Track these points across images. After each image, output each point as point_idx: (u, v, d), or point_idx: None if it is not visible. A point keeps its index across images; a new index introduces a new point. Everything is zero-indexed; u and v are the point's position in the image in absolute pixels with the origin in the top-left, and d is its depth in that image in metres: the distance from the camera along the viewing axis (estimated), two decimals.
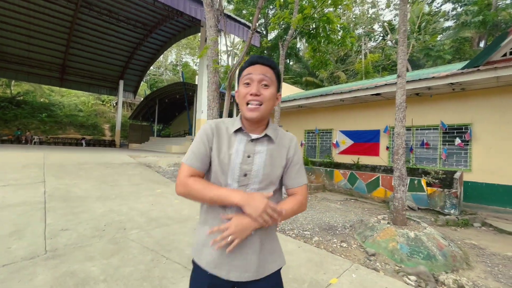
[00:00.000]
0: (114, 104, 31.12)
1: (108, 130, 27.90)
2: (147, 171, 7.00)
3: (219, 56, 7.16)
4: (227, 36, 7.67)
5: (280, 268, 0.99)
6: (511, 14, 17.20)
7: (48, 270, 2.11)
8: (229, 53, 31.35)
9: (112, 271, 2.16)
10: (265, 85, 0.92)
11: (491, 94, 5.82)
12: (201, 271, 0.94)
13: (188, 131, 21.30)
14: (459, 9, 18.59)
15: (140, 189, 5.15)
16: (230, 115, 12.95)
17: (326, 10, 6.57)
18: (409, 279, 2.48)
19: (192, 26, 16.05)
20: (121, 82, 22.39)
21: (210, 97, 7.18)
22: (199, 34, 16.04)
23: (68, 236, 2.81)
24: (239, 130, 0.97)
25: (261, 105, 0.90)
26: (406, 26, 3.59)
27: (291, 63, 24.60)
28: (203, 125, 1.01)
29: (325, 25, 6.85)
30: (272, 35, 24.10)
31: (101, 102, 30.97)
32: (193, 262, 0.99)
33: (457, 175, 5.14)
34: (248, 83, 0.92)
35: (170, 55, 40.49)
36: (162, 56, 28.91)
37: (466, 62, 8.76)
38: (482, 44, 19.43)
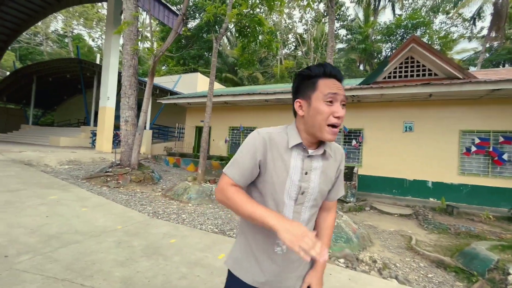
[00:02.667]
0: None
1: None
2: (28, 172, 5.27)
3: (138, 36, 6.16)
4: (146, 15, 6.71)
5: None
6: (379, 47, 22.93)
7: None
8: (139, 33, 27.69)
9: None
10: (343, 105, 0.86)
11: (377, 107, 7.56)
12: (241, 283, 0.94)
13: (84, 121, 17.54)
14: (349, 36, 23.22)
15: (22, 197, 3.82)
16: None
17: (258, 12, 6.78)
18: (339, 261, 2.90)
19: None
20: None
21: (126, 83, 6.11)
22: (100, 4, 13.31)
23: None
24: (297, 145, 0.90)
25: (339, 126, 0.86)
26: (334, 41, 4.13)
27: (210, 56, 24.15)
28: (252, 135, 0.90)
29: (256, 26, 7.06)
30: (191, 24, 22.90)
31: None
32: (230, 273, 0.98)
33: (355, 170, 6.40)
34: (331, 102, 0.83)
35: (55, 22, 31.90)
36: (41, 21, 22.31)
37: (356, 78, 11.03)
38: (361, 67, 25.01)
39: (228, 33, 20.32)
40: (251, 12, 6.62)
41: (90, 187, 4.95)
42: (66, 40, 32.20)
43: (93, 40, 34.58)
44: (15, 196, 3.83)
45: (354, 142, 7.71)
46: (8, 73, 19.92)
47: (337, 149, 0.98)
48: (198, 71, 19.14)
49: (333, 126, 0.84)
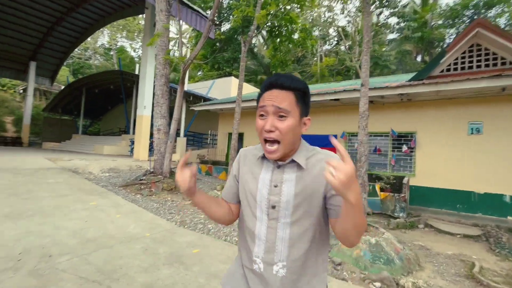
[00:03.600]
0: (21, 91, 26.51)
1: (10, 124, 23.57)
2: (74, 179, 6.15)
3: (171, 45, 6.78)
4: (179, 23, 7.34)
5: None
6: (441, 33, 20.94)
7: None
8: (176, 41, 30.04)
9: None
10: (281, 116, 0.85)
11: (432, 106, 6.95)
12: None
13: (124, 129, 19.59)
14: (402, 24, 21.74)
15: (68, 202, 4.50)
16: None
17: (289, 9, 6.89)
18: (374, 286, 2.76)
19: (133, 5, 14.80)
20: (33, 64, 19.20)
21: (158, 92, 6.75)
22: (141, 16, 14.91)
23: None
24: (264, 157, 0.95)
25: (279, 142, 0.85)
26: (370, 36, 4.00)
27: (246, 59, 24.95)
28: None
29: (288, 24, 7.17)
30: (225, 27, 24.04)
31: (0, 87, 25.99)
32: None
33: (405, 180, 5.95)
34: (262, 115, 0.88)
35: (102, 37, 36.57)
36: (91, 37, 25.84)
37: (408, 73, 10.29)
38: (419, 58, 23.10)
39: (264, 32, 20.79)
40: (282, 10, 6.76)
41: (126, 195, 5.55)
42: (111, 53, 36.66)
43: (134, 51, 38.64)
44: (62, 201, 4.53)
45: (404, 147, 7.18)
46: (62, 87, 23.47)
47: (320, 157, 0.92)
48: (233, 75, 19.94)
49: (267, 140, 0.86)
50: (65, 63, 26.10)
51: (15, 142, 19.04)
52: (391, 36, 23.38)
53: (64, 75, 26.72)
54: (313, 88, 11.22)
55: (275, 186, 0.90)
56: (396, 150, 7.43)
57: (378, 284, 2.78)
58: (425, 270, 3.43)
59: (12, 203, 4.12)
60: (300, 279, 0.90)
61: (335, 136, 8.49)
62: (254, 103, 9.42)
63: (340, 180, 0.67)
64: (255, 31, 6.96)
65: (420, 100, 7.02)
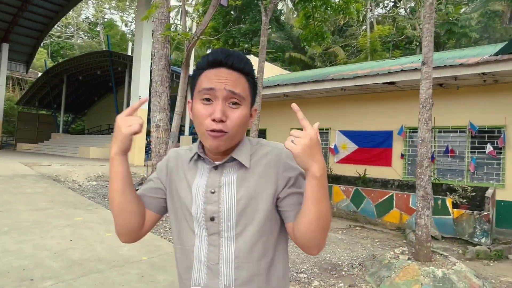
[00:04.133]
0: None
1: None
2: (55, 188, 6.65)
3: (173, 17, 7.09)
4: None
5: None
6: None
7: None
8: (178, 10, 30.87)
9: None
10: (235, 104, 0.89)
11: None
12: None
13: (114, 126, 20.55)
14: None
15: (49, 217, 4.91)
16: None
17: None
18: None
19: None
20: (5, 46, 20.74)
21: (156, 78, 7.07)
22: None
23: None
24: (199, 158, 0.98)
25: (226, 133, 0.87)
26: None
27: (269, 30, 25.11)
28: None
29: None
30: None
31: None
32: None
33: (489, 193, 5.76)
34: (208, 99, 0.89)
35: (86, 8, 38.56)
36: (72, 10, 27.38)
37: (498, 44, 9.84)
38: None
39: None
40: None
41: None
42: (98, 29, 38.54)
43: (126, 25, 40.34)
44: (42, 215, 4.95)
45: (489, 147, 6.92)
46: (40, 74, 25.08)
47: (266, 151, 0.97)
48: (252, 53, 20.17)
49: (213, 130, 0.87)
50: (42, 44, 27.89)
51: None
52: None
53: (41, 59, 28.51)
54: (357, 68, 11.09)
55: (212, 192, 0.92)
56: (476, 151, 7.17)
57: None
58: None
59: None
60: None
61: (391, 132, 8.37)
62: (280, 90, 9.54)
63: (303, 144, 0.76)
64: None
65: None
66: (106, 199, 6.42)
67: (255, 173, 0.94)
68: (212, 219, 0.91)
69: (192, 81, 0.96)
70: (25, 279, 3.01)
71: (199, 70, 0.93)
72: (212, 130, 0.86)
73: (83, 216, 5.14)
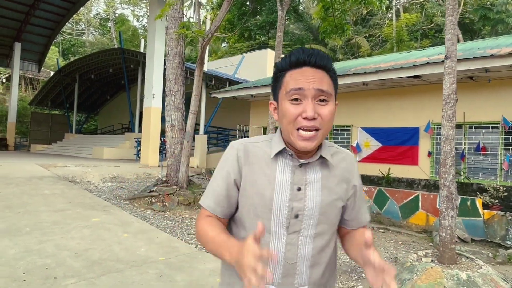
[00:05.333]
0: (3, 81, 30.02)
1: None
2: (72, 190, 7.06)
3: (187, 14, 7.36)
4: None
5: None
6: None
7: None
8: (191, 2, 31.31)
9: None
10: (322, 101, 0.94)
11: None
12: None
13: (128, 126, 21.11)
14: None
15: (67, 218, 5.27)
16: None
17: None
18: None
19: None
20: (17, 46, 21.69)
21: (170, 77, 7.38)
22: None
23: None
24: (280, 153, 1.01)
25: (318, 130, 0.93)
26: None
27: (287, 22, 25.15)
28: (227, 149, 1.07)
29: None
30: None
31: None
32: None
33: None
34: (297, 99, 0.93)
35: (97, 4, 39.68)
36: (83, 6, 28.27)
37: None
38: None
39: None
40: None
41: (133, 210, 6.24)
42: (109, 25, 39.52)
43: (137, 20, 41.18)
44: (61, 216, 5.32)
45: None
46: (51, 73, 26.05)
47: (343, 155, 1.08)
48: (269, 47, 20.27)
49: (304, 129, 0.92)
50: (53, 42, 28.91)
51: (0, 145, 21.70)
52: None
53: (53, 58, 29.54)
54: (380, 61, 11.05)
55: (298, 190, 0.97)
56: (510, 148, 7.09)
57: None
58: None
59: (7, 218, 4.97)
60: None
61: (417, 129, 8.35)
62: None
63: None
64: None
65: None
66: (121, 200, 6.76)
67: (337, 175, 1.03)
68: (296, 216, 0.96)
69: (275, 82, 1.02)
70: (49, 278, 3.31)
71: (281, 71, 1.00)
72: (304, 130, 0.92)
73: (100, 217, 5.47)
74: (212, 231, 0.95)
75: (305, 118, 0.91)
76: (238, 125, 13.22)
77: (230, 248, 0.84)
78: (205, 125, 14.20)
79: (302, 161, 0.99)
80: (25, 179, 7.35)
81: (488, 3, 17.78)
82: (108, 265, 3.74)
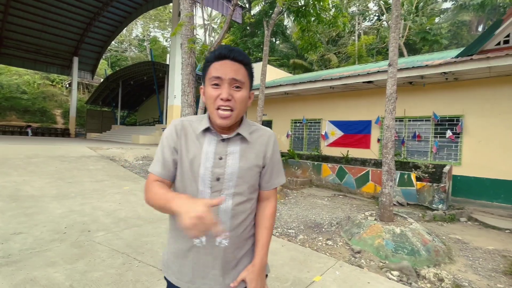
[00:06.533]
0: (67, 86, 29.58)
1: (60, 117, 26.56)
2: (111, 166, 6.90)
3: (195, 33, 7.08)
4: (203, 9, 7.57)
5: (266, 276, 1.04)
6: None
7: (3, 278, 2.13)
8: (206, 27, 30.63)
9: (79, 277, 2.24)
10: (237, 87, 0.92)
11: (483, 85, 6.33)
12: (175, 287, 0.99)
13: (158, 119, 20.89)
14: None
15: (105, 186, 5.13)
16: None
17: None
18: (392, 274, 2.79)
19: None
20: (76, 59, 21.30)
21: (184, 81, 7.12)
22: (170, 4, 15.53)
23: (22, 241, 2.80)
24: (207, 130, 0.98)
25: (232, 110, 0.91)
26: (400, 11, 3.81)
27: (277, 42, 24.61)
28: (168, 126, 1.02)
29: (315, 2, 6.97)
30: (256, 10, 23.85)
31: (50, 83, 29.26)
32: (165, 279, 1.03)
33: (446, 169, 5.61)
34: (217, 84, 0.91)
35: (136, 28, 38.82)
36: (125, 29, 27.62)
37: (463, 48, 9.35)
38: (480, 29, 20.63)
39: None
40: None
41: None
42: (145, 44, 38.78)
43: (166, 41, 40.34)
44: (100, 185, 5.18)
45: (448, 133, 6.70)
46: (102, 79, 25.66)
47: (261, 132, 1.03)
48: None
49: (221, 109, 0.90)
50: (103, 57, 28.42)
51: (64, 133, 21.55)
52: (446, 5, 21.15)
53: (103, 68, 29.06)
54: (343, 70, 10.81)
55: (220, 159, 0.94)
56: (439, 136, 6.96)
57: (396, 273, 2.80)
58: (456, 263, 3.32)
59: (59, 186, 4.84)
60: (241, 248, 0.98)
61: (370, 122, 8.19)
62: (282, 89, 9.44)
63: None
64: (282, 12, 6.90)
65: (469, 78, 6.43)
66: (148, 173, 6.65)
67: (253, 148, 0.99)
68: (218, 179, 0.93)
69: (203, 71, 0.98)
70: (84, 231, 3.20)
71: (208, 63, 0.95)
72: (221, 109, 0.90)
73: (130, 186, 5.34)
74: (161, 189, 0.90)
75: (221, 99, 0.90)
76: None
77: (180, 199, 0.79)
78: None
79: (224, 136, 0.96)
80: (76, 158, 7.20)
81: (427, 27, 17.34)
82: (131, 222, 3.64)
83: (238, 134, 0.97)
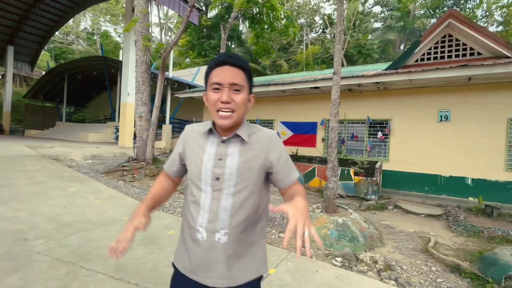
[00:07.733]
0: (0, 77, 25.14)
1: None
2: (54, 166, 6.05)
3: (151, 31, 6.59)
4: (159, 7, 7.11)
5: (261, 277, 1.02)
6: (423, 23, 21.13)
7: None
8: (162, 26, 28.90)
9: None
10: (236, 90, 0.92)
11: (406, 94, 7.15)
12: (182, 275, 1.00)
13: (110, 116, 19.09)
14: (386, 13, 21.75)
15: (46, 189, 4.45)
16: (164, 100, 12.17)
17: None
18: (336, 260, 2.95)
19: None
20: (10, 48, 18.19)
21: (139, 79, 6.61)
22: None
23: None
24: (210, 132, 0.99)
25: (233, 112, 0.92)
26: (343, 26, 4.04)
27: (233, 45, 24.45)
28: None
29: (269, 11, 7.06)
30: (213, 13, 23.33)
31: None
32: (173, 265, 1.06)
33: (377, 165, 6.19)
34: (217, 88, 0.92)
35: (84, 20, 34.75)
36: (72, 20, 24.52)
37: (390, 62, 10.45)
38: (402, 47, 23.34)
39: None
40: None
41: (108, 181, 5.53)
42: (95, 38, 35.01)
43: (119, 36, 37.02)
44: (40, 188, 4.48)
45: (379, 134, 7.41)
46: (43, 72, 22.44)
47: (262, 133, 1.01)
48: None
49: (221, 110, 0.92)
50: (45, 48, 24.87)
51: None
52: (376, 24, 23.42)
53: (45, 60, 25.45)
54: (294, 76, 11.22)
55: (220, 159, 0.95)
56: (372, 136, 7.65)
57: (339, 259, 2.97)
58: (386, 246, 3.66)
59: None
60: (240, 245, 0.97)
61: (316, 123, 8.63)
62: None
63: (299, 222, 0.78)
64: (238, 18, 6.84)
65: (395, 88, 7.20)
66: (98, 174, 5.98)
67: (253, 149, 0.97)
68: (217, 179, 0.93)
69: (205, 77, 0.97)
70: (19, 240, 2.72)
71: (210, 69, 0.96)
72: (222, 111, 0.91)
73: (77, 188, 4.73)
74: (154, 186, 1.08)
75: (222, 102, 0.91)
76: (194, 118, 12.62)
77: (138, 208, 0.97)
78: (170, 117, 13.34)
79: (224, 138, 0.96)
80: (11, 158, 6.13)
81: (362, 43, 18.98)
82: (78, 226, 3.20)
83: (237, 135, 0.97)
